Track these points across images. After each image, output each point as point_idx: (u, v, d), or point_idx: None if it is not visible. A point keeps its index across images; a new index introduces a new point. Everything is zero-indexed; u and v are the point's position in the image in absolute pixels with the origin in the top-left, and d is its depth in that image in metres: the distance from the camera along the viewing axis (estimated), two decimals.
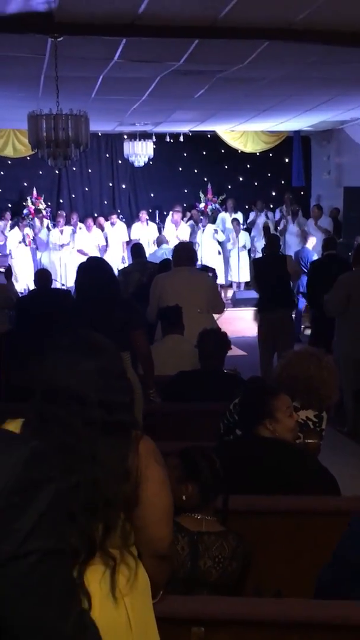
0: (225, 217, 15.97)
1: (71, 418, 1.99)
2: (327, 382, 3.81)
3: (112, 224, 15.47)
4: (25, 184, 16.02)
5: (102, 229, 15.47)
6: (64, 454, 1.96)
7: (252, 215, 16.15)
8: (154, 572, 2.11)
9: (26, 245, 14.61)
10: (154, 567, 2.11)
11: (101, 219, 15.75)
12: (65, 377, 2.02)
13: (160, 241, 14.21)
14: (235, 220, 15.55)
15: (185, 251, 7.25)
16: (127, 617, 1.98)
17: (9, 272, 8.61)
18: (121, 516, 2.01)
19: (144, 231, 15.41)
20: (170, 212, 15.59)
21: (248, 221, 16.08)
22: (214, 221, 15.88)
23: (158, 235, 14.75)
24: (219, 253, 15.46)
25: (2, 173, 16.04)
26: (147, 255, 11.23)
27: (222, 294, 14.37)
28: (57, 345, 2.09)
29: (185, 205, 16.11)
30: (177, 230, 15.24)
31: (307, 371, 3.77)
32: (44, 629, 1.09)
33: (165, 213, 16.03)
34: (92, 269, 4.82)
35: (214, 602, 2.56)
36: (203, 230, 15.37)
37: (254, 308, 10.26)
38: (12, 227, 15.10)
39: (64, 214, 15.43)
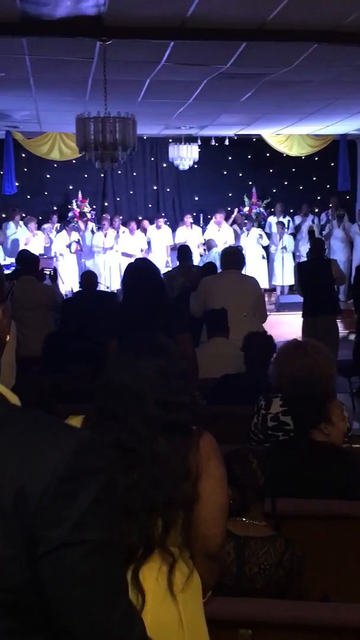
0: (271, 221, 15.91)
1: (130, 416, 2.02)
2: (322, 365, 3.77)
3: (158, 227, 15.51)
4: (71, 187, 16.15)
5: (145, 232, 15.52)
6: (123, 452, 1.99)
7: (297, 220, 16.07)
8: (204, 571, 2.12)
9: (72, 252, 14.72)
10: (205, 566, 2.12)
11: (145, 222, 15.81)
12: (125, 375, 2.06)
13: (210, 245, 14.22)
14: (280, 223, 15.49)
15: (233, 255, 7.24)
16: (179, 615, 1.99)
17: (54, 274, 8.68)
18: (180, 514, 2.03)
19: (189, 235, 15.44)
20: (214, 215, 15.60)
21: (293, 225, 16.00)
22: (259, 225, 15.84)
23: (208, 239, 14.75)
24: (263, 257, 15.42)
25: (48, 176, 16.20)
26: (197, 258, 11.23)
27: (266, 298, 14.36)
28: (120, 346, 2.16)
29: (229, 209, 16.09)
30: (219, 232, 15.25)
31: (301, 363, 3.73)
32: (90, 619, 1.10)
33: (209, 217, 16.04)
34: (139, 269, 4.83)
35: (262, 604, 2.55)
36: (247, 234, 15.34)
37: (299, 313, 10.21)
38: (58, 230, 15.22)
39: (109, 217, 15.52)
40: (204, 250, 14.82)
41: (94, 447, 1.14)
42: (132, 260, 15.25)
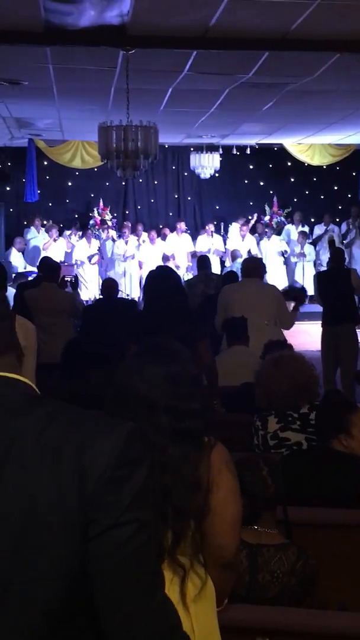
0: (290, 229, 15.90)
1: (139, 423, 1.99)
2: (305, 372, 3.83)
3: (179, 232, 15.52)
4: (92, 195, 16.22)
5: (165, 239, 15.54)
6: None
7: (318, 229, 16.05)
8: (219, 581, 2.09)
9: (92, 264, 14.78)
10: (219, 576, 2.09)
11: (166, 230, 15.83)
12: (135, 381, 2.02)
13: (234, 256, 14.25)
14: (302, 233, 15.48)
15: (254, 264, 7.27)
16: (191, 625, 1.96)
17: (75, 282, 8.72)
18: (191, 525, 1.99)
19: (209, 243, 15.46)
20: (234, 224, 15.62)
21: (314, 234, 15.98)
22: (279, 233, 15.84)
23: (233, 249, 14.77)
24: (284, 264, 15.43)
25: (69, 184, 16.29)
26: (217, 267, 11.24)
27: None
28: (131, 351, 2.10)
29: (250, 218, 16.10)
30: (242, 241, 15.26)
31: (286, 375, 3.80)
32: (131, 606, 1.15)
33: (229, 225, 16.06)
34: (160, 276, 4.85)
35: (279, 612, 2.54)
36: (268, 241, 15.33)
37: (319, 322, 10.18)
38: (79, 238, 15.29)
39: (130, 225, 15.58)
40: (228, 259, 14.86)
41: (140, 436, 1.23)
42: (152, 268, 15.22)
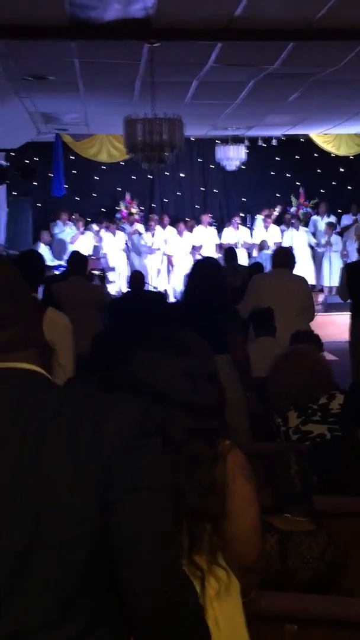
0: (317, 220, 15.83)
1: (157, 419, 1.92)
2: (318, 362, 3.82)
3: (206, 224, 15.52)
4: (119, 189, 16.26)
5: (191, 231, 15.55)
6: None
7: (346, 219, 15.96)
8: (243, 580, 2.05)
9: (125, 250, 14.84)
10: (243, 576, 2.05)
11: (192, 222, 15.82)
12: (150, 375, 1.96)
13: (262, 246, 14.22)
14: (328, 224, 15.41)
15: (285, 255, 7.27)
16: (215, 620, 1.93)
17: (103, 275, 8.76)
18: (207, 528, 1.94)
19: (236, 235, 15.44)
20: (259, 215, 15.58)
21: (342, 225, 15.90)
22: (305, 225, 15.78)
23: (261, 241, 14.76)
24: (312, 257, 15.36)
25: (96, 178, 16.34)
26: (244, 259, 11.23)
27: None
28: (146, 344, 2.03)
29: (273, 210, 16.04)
30: (267, 232, 15.23)
31: (302, 368, 3.79)
32: (146, 558, 1.23)
33: (255, 217, 16.03)
34: (202, 268, 4.87)
35: (308, 599, 2.56)
36: (297, 229, 15.27)
37: (347, 313, 10.13)
38: (107, 231, 15.35)
39: (156, 218, 15.60)
40: (255, 250, 14.86)
41: (153, 411, 1.33)
42: (177, 262, 15.28)
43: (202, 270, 4.88)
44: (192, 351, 2.02)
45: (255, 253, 14.81)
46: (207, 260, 5.79)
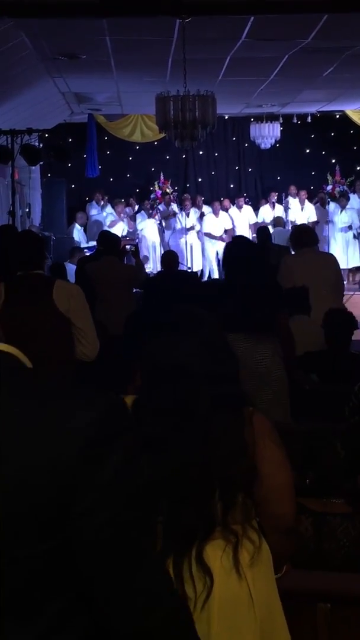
0: (353, 198, 15.62)
1: (178, 394, 1.96)
2: None
3: (239, 207, 15.44)
4: (153, 169, 16.20)
5: (227, 211, 15.46)
6: (174, 433, 1.94)
7: None
8: (278, 547, 2.08)
9: (159, 231, 14.83)
10: (277, 542, 2.08)
11: (226, 202, 15.73)
12: (170, 351, 2.00)
13: (277, 222, 14.14)
14: None
15: (307, 233, 7.18)
16: (248, 591, 1.96)
17: (136, 250, 8.73)
18: (240, 494, 1.98)
19: (272, 213, 15.34)
20: (293, 193, 15.45)
21: None
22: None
23: (275, 217, 14.68)
24: (354, 237, 15.20)
25: (130, 158, 16.30)
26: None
27: (350, 278, 14.17)
28: (158, 325, 2.08)
29: (312, 188, 15.86)
30: (302, 211, 15.09)
31: None
32: (117, 574, 1.11)
33: (289, 196, 15.88)
34: (241, 248, 4.85)
35: (341, 579, 2.52)
36: (340, 211, 15.06)
37: None
38: (139, 212, 15.34)
39: (189, 197, 15.53)
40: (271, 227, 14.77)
41: (121, 408, 1.17)
42: (214, 241, 15.24)
43: (238, 250, 4.84)
44: (203, 323, 2.07)
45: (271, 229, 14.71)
46: (241, 239, 5.75)
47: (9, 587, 1.08)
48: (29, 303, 4.10)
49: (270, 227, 14.09)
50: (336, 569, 2.67)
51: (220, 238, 14.70)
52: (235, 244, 4.97)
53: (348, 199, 15.38)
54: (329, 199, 15.41)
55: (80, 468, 1.08)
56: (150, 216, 15.06)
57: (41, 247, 4.40)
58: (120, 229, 14.17)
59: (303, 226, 8.16)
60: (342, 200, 15.20)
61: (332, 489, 2.77)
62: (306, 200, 15.36)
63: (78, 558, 1.10)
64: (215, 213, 15.16)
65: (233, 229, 15.06)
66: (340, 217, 15.07)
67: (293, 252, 7.37)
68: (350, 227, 15.07)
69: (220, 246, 14.64)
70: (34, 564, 1.08)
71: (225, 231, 14.93)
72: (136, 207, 15.50)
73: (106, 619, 1.12)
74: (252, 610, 1.95)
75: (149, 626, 1.13)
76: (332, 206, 15.21)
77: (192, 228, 14.89)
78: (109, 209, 15.19)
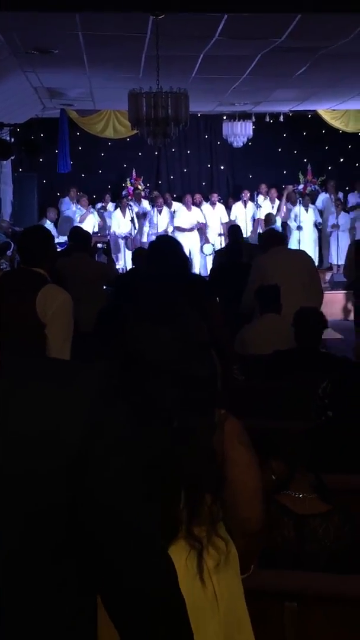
0: (324, 197, 15.71)
1: (148, 389, 1.88)
2: None
3: (213, 203, 15.44)
4: (125, 166, 16.16)
5: (199, 206, 15.45)
6: (143, 428, 1.82)
7: (352, 197, 15.83)
8: (245, 549, 2.05)
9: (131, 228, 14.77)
10: (245, 544, 2.05)
11: (198, 197, 15.64)
12: (142, 345, 1.90)
13: (268, 220, 14.14)
14: (338, 200, 15.29)
15: (274, 234, 7.30)
16: (213, 592, 1.91)
17: (108, 248, 8.70)
18: (207, 499, 1.89)
19: (245, 212, 15.37)
20: (263, 191, 15.51)
21: (349, 203, 15.78)
22: (313, 202, 15.67)
23: (267, 214, 14.68)
24: (318, 233, 15.29)
25: (102, 154, 16.24)
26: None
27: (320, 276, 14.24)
28: (134, 315, 1.99)
29: (283, 186, 15.92)
30: (272, 209, 15.15)
31: None
32: (123, 527, 1.19)
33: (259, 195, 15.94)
34: (164, 250, 4.84)
35: (308, 577, 2.52)
36: (307, 210, 15.13)
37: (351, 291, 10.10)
38: (114, 208, 15.28)
39: (161, 197, 15.49)
40: (260, 227, 14.77)
41: (112, 379, 1.24)
42: (186, 233, 15.15)
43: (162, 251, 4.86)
44: (179, 318, 1.96)
45: (260, 230, 14.75)
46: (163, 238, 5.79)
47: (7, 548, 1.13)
48: (12, 299, 4.09)
49: (260, 228, 14.12)
50: (322, 568, 2.66)
51: (191, 229, 14.69)
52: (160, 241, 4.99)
53: (314, 201, 15.49)
54: (299, 198, 15.49)
55: (87, 445, 1.14)
56: (123, 213, 15.01)
57: (46, 245, 4.33)
58: (90, 224, 14.10)
59: (268, 229, 8.21)
60: (307, 199, 15.28)
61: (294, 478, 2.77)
62: (276, 199, 15.42)
63: (84, 515, 1.15)
64: (188, 207, 15.13)
65: (205, 225, 15.06)
66: (308, 216, 15.15)
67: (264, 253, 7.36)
68: (316, 226, 15.19)
69: (191, 238, 14.65)
70: (38, 521, 1.13)
71: (199, 224, 14.93)
72: (111, 205, 15.42)
73: (113, 576, 1.19)
74: (217, 613, 1.91)
75: (153, 587, 1.23)
76: (297, 207, 15.28)
77: (165, 230, 14.83)
78: (79, 207, 15.12)
